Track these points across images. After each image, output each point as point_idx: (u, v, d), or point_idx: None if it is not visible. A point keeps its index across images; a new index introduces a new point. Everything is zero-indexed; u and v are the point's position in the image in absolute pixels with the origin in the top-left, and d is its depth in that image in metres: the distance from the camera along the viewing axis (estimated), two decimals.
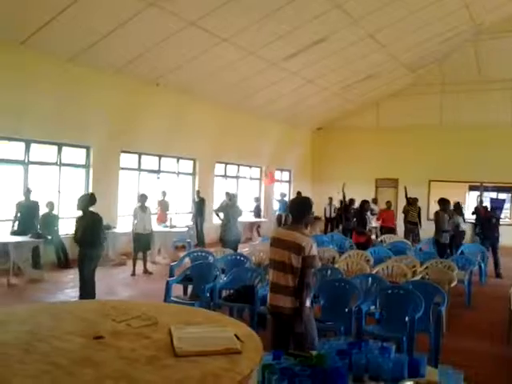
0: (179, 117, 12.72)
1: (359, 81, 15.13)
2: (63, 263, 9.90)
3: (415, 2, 11.07)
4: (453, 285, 6.48)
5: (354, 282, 5.69)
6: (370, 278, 6.01)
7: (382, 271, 6.87)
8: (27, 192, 9.39)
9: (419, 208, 14.15)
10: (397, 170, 16.99)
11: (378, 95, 17.07)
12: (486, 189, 14.41)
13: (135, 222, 9.77)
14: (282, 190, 17.00)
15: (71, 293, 7.73)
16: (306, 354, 2.86)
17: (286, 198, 16.06)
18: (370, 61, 13.93)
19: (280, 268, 3.78)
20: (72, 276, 8.73)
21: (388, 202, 14.07)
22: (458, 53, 15.37)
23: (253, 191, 16.61)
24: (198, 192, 13.28)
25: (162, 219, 12.11)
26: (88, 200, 6.53)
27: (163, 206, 12.40)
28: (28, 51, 9.02)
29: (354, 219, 11.56)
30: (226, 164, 15.45)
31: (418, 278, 6.64)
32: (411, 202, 13.98)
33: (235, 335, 1.96)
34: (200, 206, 13.08)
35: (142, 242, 9.76)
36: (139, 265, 9.72)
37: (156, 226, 11.20)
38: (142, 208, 9.84)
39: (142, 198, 9.98)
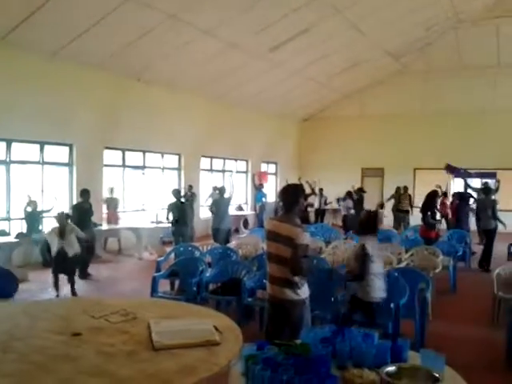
0: (162, 111, 12.62)
1: (343, 70, 15.16)
2: (48, 262, 9.80)
3: None
4: (437, 271, 6.55)
5: (340, 271, 5.73)
6: None
7: None
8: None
9: (410, 195, 14.31)
10: (382, 158, 17.11)
11: (363, 84, 17.13)
12: (470, 175, 14.54)
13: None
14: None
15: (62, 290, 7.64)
16: (291, 342, 2.88)
17: (264, 189, 15.98)
18: (354, 50, 13.97)
19: (276, 260, 3.81)
20: None
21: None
22: (440, 41, 15.45)
23: (240, 185, 16.59)
24: (191, 187, 13.18)
25: (112, 219, 11.51)
26: None
27: (112, 204, 11.65)
28: (8, 47, 8.86)
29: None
30: (212, 158, 15.40)
31: (403, 265, 6.70)
32: (403, 191, 14.14)
33: (214, 327, 1.95)
34: (191, 201, 12.87)
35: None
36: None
37: (105, 226, 10.95)
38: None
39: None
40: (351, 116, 17.74)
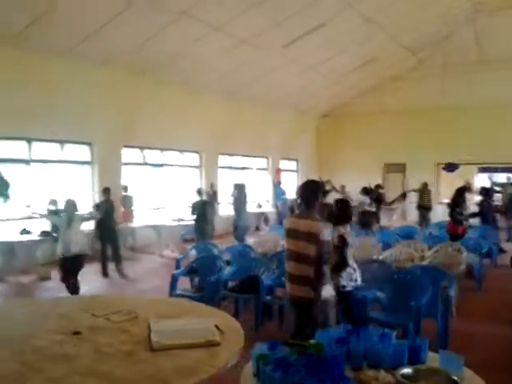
0: (181, 109, 12.62)
1: (361, 65, 14.90)
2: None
3: None
4: (461, 268, 6.35)
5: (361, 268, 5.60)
6: (376, 264, 5.91)
7: (389, 256, 6.76)
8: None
9: (429, 191, 14.03)
10: (404, 154, 16.77)
11: (381, 79, 16.82)
12: (496, 170, 14.16)
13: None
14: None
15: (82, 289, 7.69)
16: (304, 342, 2.79)
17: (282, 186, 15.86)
18: (371, 44, 13.68)
19: (295, 258, 3.73)
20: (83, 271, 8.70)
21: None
22: (458, 33, 15.03)
23: (260, 182, 16.52)
24: (212, 185, 13.16)
25: (127, 217, 11.41)
26: None
27: (126, 202, 11.59)
28: (24, 48, 8.96)
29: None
30: (231, 155, 15.36)
31: (425, 262, 6.52)
32: (422, 186, 13.87)
33: (216, 326, 1.88)
34: (212, 199, 12.82)
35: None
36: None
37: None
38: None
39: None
40: (371, 111, 17.42)
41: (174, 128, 12.58)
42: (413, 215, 14.54)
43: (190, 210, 10.26)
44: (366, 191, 13.52)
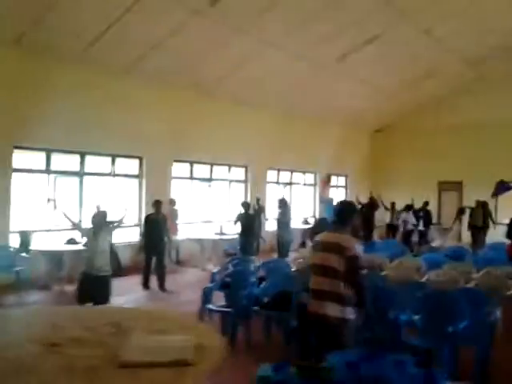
0: (229, 124, 12.77)
1: (417, 79, 14.49)
2: (116, 271, 10.14)
3: None
4: (510, 293, 5.93)
5: (398, 289, 5.35)
6: (414, 286, 5.63)
7: (432, 278, 6.43)
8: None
9: (485, 210, 13.33)
10: (460, 171, 16.04)
11: (438, 94, 16.26)
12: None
13: None
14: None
15: (119, 300, 7.87)
16: (313, 365, 2.68)
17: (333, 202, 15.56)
18: (427, 58, 13.30)
19: (322, 272, 3.61)
20: (123, 283, 8.92)
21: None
22: None
23: (308, 198, 16.35)
24: (258, 199, 13.17)
25: (172, 231, 11.12)
26: None
27: (173, 215, 11.48)
28: (84, 65, 9.42)
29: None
30: (279, 170, 15.31)
31: (471, 285, 6.15)
32: (475, 205, 13.24)
33: (196, 344, 1.81)
34: (258, 213, 12.78)
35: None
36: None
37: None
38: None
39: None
40: (426, 127, 16.84)
41: (223, 143, 12.72)
42: (467, 235, 13.85)
43: (234, 220, 10.29)
44: (409, 208, 13.03)
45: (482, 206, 13.38)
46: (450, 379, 2.54)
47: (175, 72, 10.72)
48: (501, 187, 14.25)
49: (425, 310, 4.82)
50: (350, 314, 3.59)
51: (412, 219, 12.51)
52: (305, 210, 15.81)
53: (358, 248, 3.58)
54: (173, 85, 11.08)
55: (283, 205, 10.54)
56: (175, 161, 12.16)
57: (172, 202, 11.66)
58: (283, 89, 12.86)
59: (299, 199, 15.92)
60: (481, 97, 15.57)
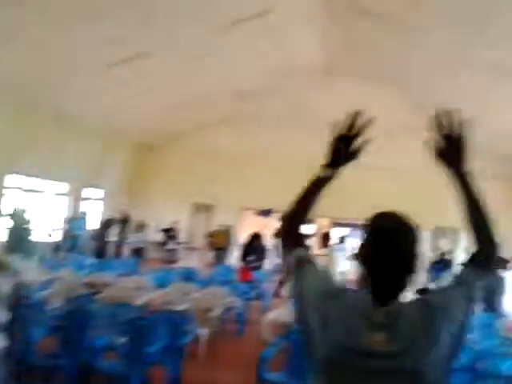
0: None
1: (184, 103, 14.81)
2: None
3: None
4: (216, 312, 6.41)
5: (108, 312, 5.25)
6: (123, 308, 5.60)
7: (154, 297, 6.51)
8: None
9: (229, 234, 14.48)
10: (211, 195, 16.87)
11: (204, 120, 17.04)
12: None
13: None
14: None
15: None
16: None
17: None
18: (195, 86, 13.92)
19: None
20: None
21: None
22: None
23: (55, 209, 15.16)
24: None
25: None
26: None
27: None
28: None
29: None
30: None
31: (188, 304, 6.42)
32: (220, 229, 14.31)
33: None
34: None
35: None
36: None
37: None
38: None
39: None
40: (187, 150, 17.46)
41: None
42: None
43: None
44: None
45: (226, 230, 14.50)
46: None
47: None
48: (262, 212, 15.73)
49: (126, 333, 4.82)
50: None
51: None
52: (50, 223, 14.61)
53: None
54: None
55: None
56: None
57: None
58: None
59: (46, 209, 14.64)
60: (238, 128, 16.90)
